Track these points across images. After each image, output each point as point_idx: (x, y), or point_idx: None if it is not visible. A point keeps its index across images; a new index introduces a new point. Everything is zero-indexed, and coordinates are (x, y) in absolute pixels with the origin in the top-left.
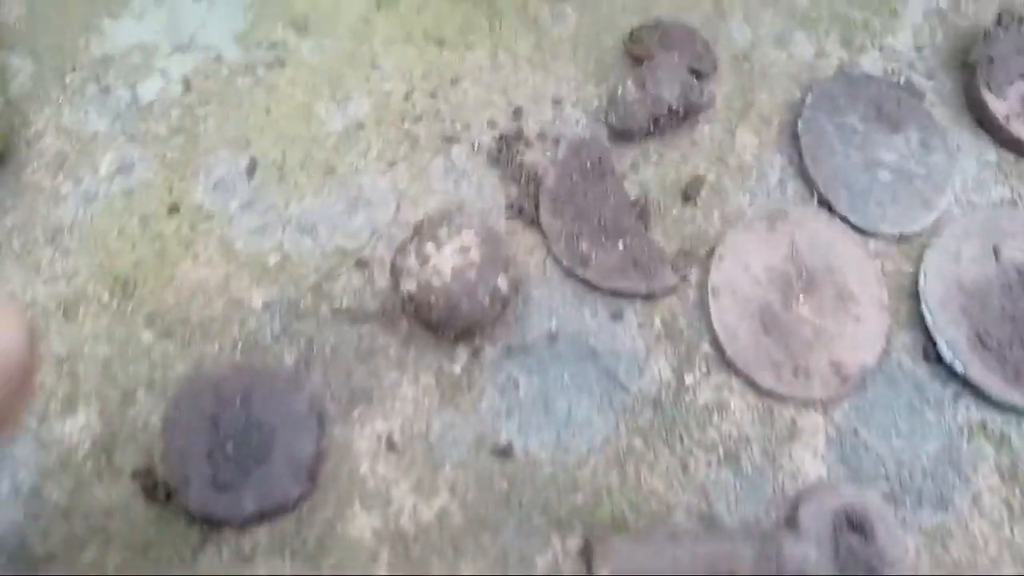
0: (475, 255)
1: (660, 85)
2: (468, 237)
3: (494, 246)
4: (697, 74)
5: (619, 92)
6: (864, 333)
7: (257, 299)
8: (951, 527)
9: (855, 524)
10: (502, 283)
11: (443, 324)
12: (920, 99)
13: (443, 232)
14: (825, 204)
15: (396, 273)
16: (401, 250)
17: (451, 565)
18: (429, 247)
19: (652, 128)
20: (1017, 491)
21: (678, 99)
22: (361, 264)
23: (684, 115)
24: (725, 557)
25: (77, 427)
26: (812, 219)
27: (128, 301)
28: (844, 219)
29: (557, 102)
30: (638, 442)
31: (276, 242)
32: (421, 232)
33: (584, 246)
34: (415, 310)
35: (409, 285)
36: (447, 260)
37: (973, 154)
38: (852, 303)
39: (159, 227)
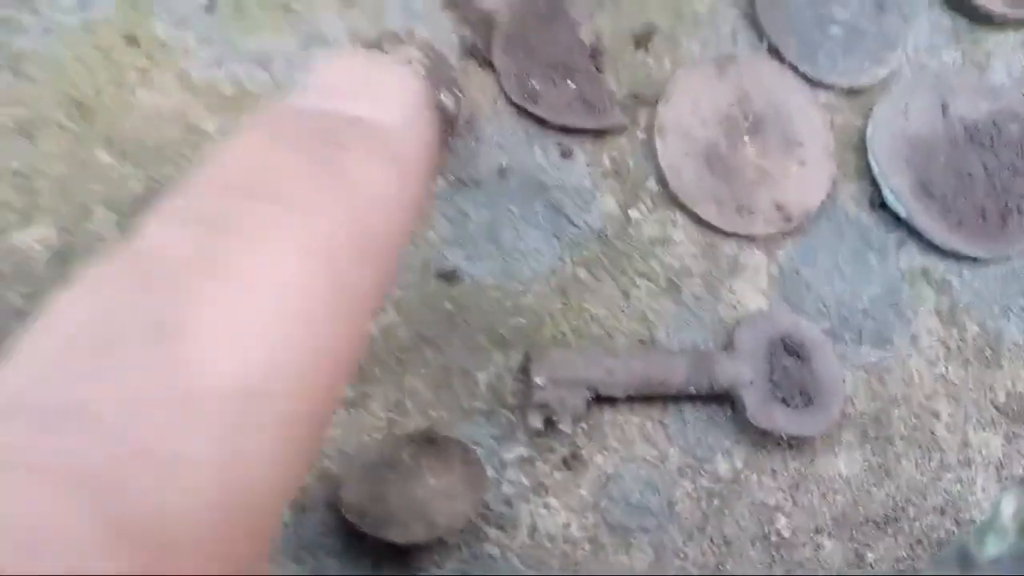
0: (419, 68)
1: None
2: (411, 52)
3: (440, 64)
4: None
5: None
6: (809, 177)
7: (211, 126)
8: (889, 364)
9: (791, 349)
10: (447, 99)
11: None
12: None
13: (387, 47)
14: (775, 53)
15: None
16: None
17: (396, 377)
18: None
19: None
20: (955, 332)
21: None
22: None
23: None
24: (659, 369)
25: (34, 238)
26: (762, 66)
27: (86, 125)
28: (794, 68)
29: None
30: (582, 272)
31: (232, 74)
32: (367, 47)
33: (535, 84)
34: None
35: None
36: None
37: (928, 17)
38: (798, 148)
39: (118, 57)
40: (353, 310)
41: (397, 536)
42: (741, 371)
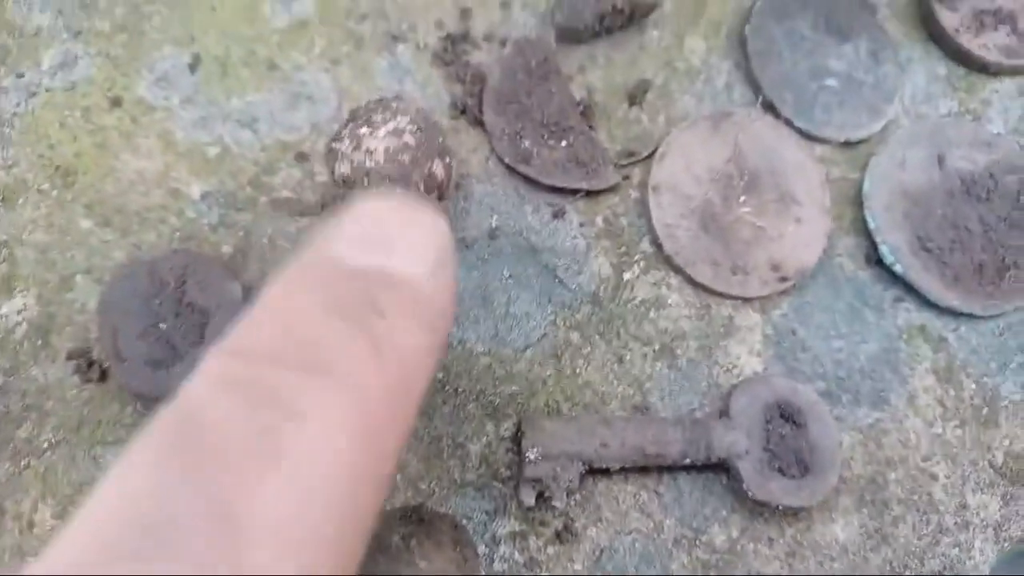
0: (410, 139)
1: None
2: (403, 121)
3: (430, 132)
4: None
5: None
6: (805, 235)
7: (196, 190)
8: (886, 425)
9: (787, 416)
10: (437, 169)
11: None
12: (872, 11)
13: (378, 116)
14: (770, 108)
15: (330, 157)
16: (336, 135)
17: None
18: (363, 130)
19: (599, 27)
20: (951, 391)
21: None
22: (301, 157)
23: (631, 14)
24: (654, 440)
25: (14, 309)
26: (757, 122)
27: (68, 190)
28: (789, 123)
29: (505, 4)
30: (575, 336)
31: (216, 135)
32: (357, 116)
33: (527, 143)
34: (348, 194)
35: (343, 168)
36: (380, 143)
37: (924, 67)
38: (794, 205)
39: (101, 120)
40: (385, 465)
41: None
42: (737, 440)
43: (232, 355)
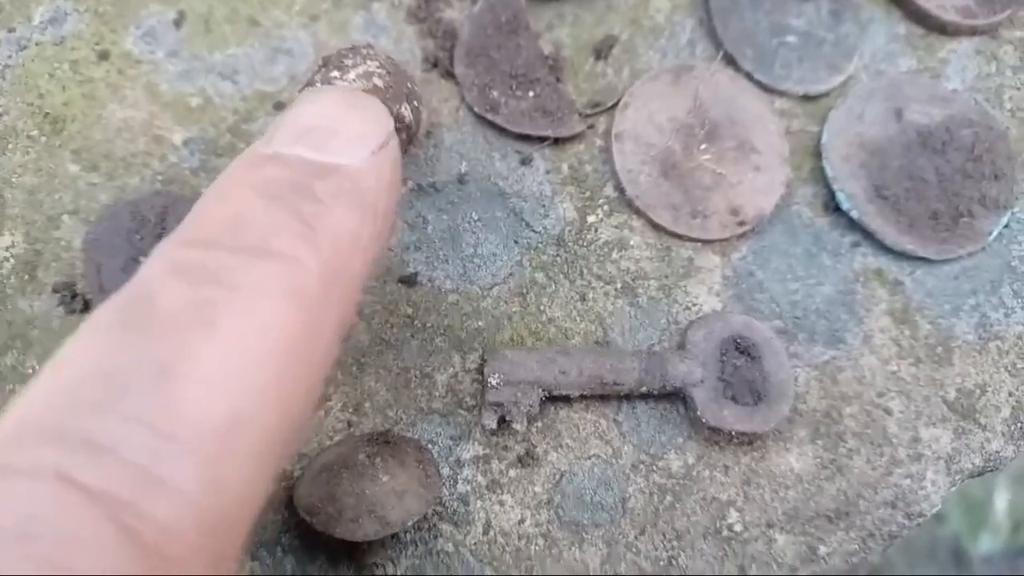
0: (379, 82)
1: None
2: (372, 66)
3: (399, 77)
4: None
5: None
6: (763, 182)
7: (178, 137)
8: (841, 362)
9: (742, 349)
10: (405, 112)
11: None
12: None
13: (349, 61)
14: (731, 62)
15: None
16: (309, 80)
17: (356, 379)
18: (334, 74)
19: None
20: (907, 331)
21: None
22: (279, 107)
23: None
24: (612, 369)
25: (3, 246)
26: (717, 75)
27: (56, 137)
28: (749, 76)
29: None
30: (540, 276)
31: (199, 87)
32: (328, 62)
33: (495, 94)
34: None
35: None
36: (350, 85)
37: (884, 27)
38: (753, 154)
39: (89, 72)
40: (322, 340)
41: (347, 533)
42: (692, 370)
43: (179, 243)
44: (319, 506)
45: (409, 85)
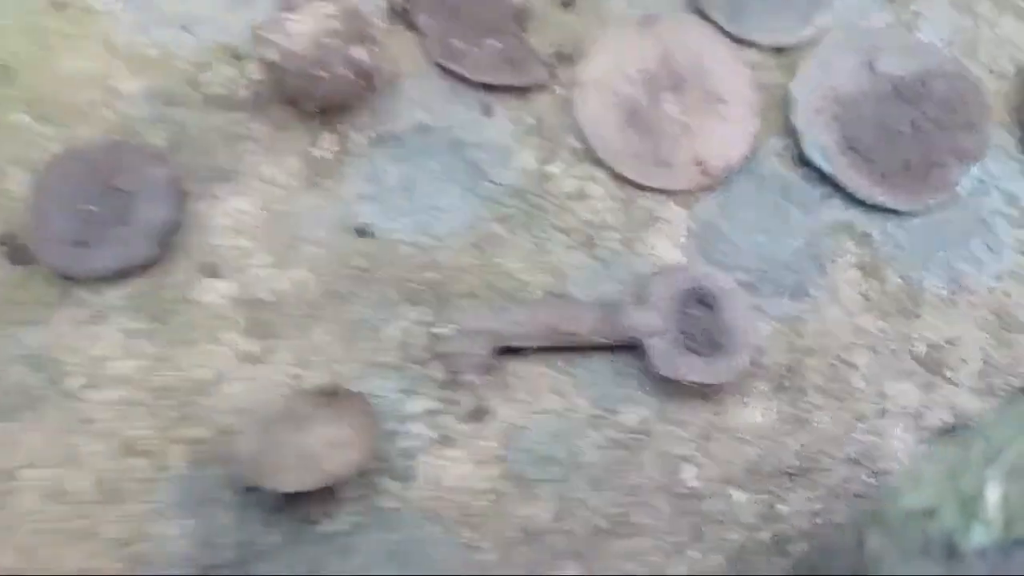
0: (334, 23)
1: None
2: (328, 8)
3: (355, 20)
4: None
5: None
6: (730, 133)
7: (133, 87)
8: (807, 316)
9: (703, 300)
10: (362, 55)
11: (303, 93)
12: None
13: (305, 4)
14: (701, 12)
15: (259, 44)
16: (265, 23)
17: (304, 331)
18: (290, 16)
19: None
20: (875, 284)
21: None
22: (237, 57)
23: None
24: (567, 319)
25: None
26: (686, 25)
27: (8, 87)
28: (719, 27)
29: None
30: (499, 227)
31: (157, 38)
32: (284, 3)
33: (458, 43)
34: (276, 81)
35: (269, 54)
36: (305, 27)
37: None
38: (720, 104)
39: (43, 22)
40: None
41: (283, 484)
42: (649, 321)
43: None
44: (256, 459)
45: (367, 29)
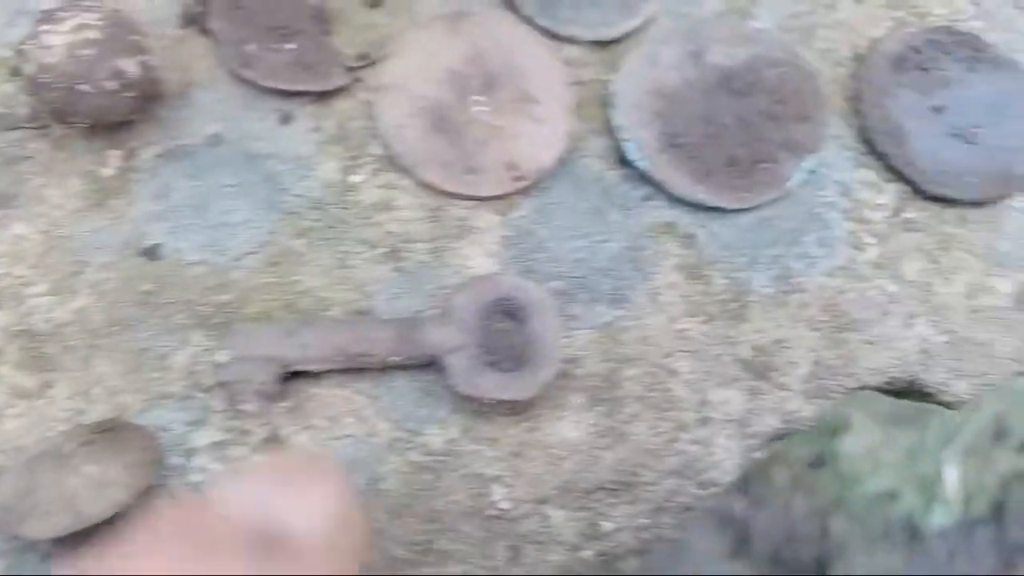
0: (94, 34)
1: None
2: (89, 18)
3: (120, 29)
4: None
5: None
6: (544, 134)
7: None
8: (625, 323)
9: (509, 312)
10: (129, 67)
11: (67, 108)
12: None
13: (64, 14)
14: (513, 8)
15: (21, 60)
16: (26, 36)
17: (85, 362)
18: (46, 27)
19: None
20: (699, 287)
21: None
22: (15, 72)
23: None
24: (359, 339)
25: None
26: (497, 21)
27: None
28: (531, 22)
29: None
30: (299, 243)
31: None
32: (46, 16)
33: (252, 48)
34: (39, 97)
35: (29, 68)
36: (62, 38)
37: None
38: (533, 105)
39: None
40: None
41: (34, 531)
42: (448, 337)
43: None
44: (14, 504)
45: (135, 39)
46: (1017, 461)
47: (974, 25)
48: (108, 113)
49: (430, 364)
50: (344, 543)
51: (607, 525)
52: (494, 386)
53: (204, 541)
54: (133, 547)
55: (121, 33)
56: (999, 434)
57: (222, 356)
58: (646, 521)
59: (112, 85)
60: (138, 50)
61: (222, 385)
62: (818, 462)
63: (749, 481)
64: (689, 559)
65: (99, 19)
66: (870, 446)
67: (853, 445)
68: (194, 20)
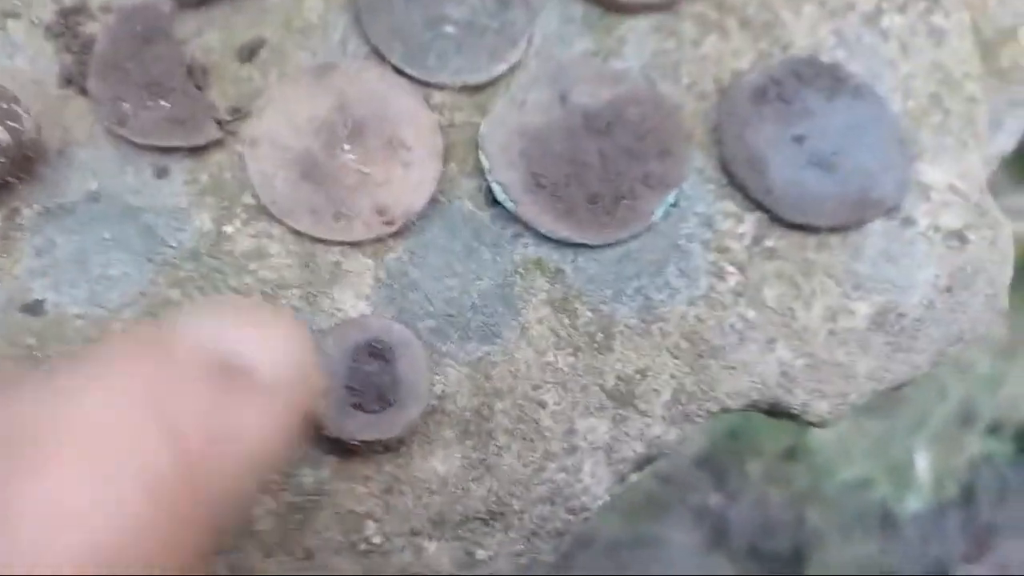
0: None
1: None
2: None
3: None
4: None
5: None
6: (413, 178)
7: None
8: (496, 358)
9: (376, 353)
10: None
11: None
12: None
13: None
14: (380, 57)
15: None
16: None
17: None
18: None
19: None
20: (566, 320)
21: None
22: None
23: None
24: None
25: None
26: (364, 71)
27: None
28: (399, 71)
29: None
30: (175, 293)
31: None
32: None
33: (126, 106)
34: None
35: None
36: None
37: (558, 10)
38: (402, 150)
39: None
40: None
41: None
42: None
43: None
44: None
45: (5, 105)
46: (985, 444)
47: (836, 55)
48: None
49: None
50: (302, 390)
51: (482, 553)
52: (360, 428)
53: (162, 369)
54: (79, 380)
55: None
56: (966, 419)
57: None
58: (521, 547)
59: None
60: (7, 116)
61: None
62: (790, 454)
63: (722, 475)
64: (665, 554)
65: None
66: (841, 436)
67: (824, 436)
68: (71, 80)
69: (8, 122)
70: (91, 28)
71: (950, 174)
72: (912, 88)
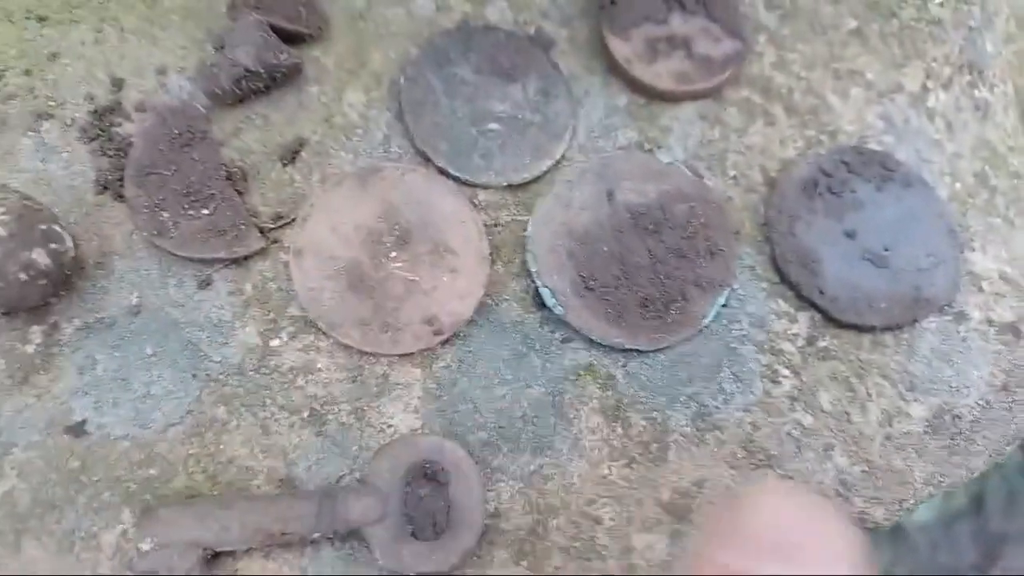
0: (2, 230)
1: (236, 47)
2: None
3: (29, 220)
4: (290, 35)
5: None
6: (460, 285)
7: None
8: (549, 471)
9: (430, 475)
10: (40, 257)
11: None
12: (546, 48)
13: None
14: (425, 158)
15: None
16: None
17: (13, 548)
18: None
19: (239, 91)
20: (619, 429)
21: (255, 61)
22: None
23: (269, 77)
24: (279, 518)
25: None
26: (408, 174)
27: None
28: (444, 172)
29: (162, 72)
30: (221, 411)
31: None
32: None
33: (166, 215)
34: None
35: None
36: None
37: (602, 100)
38: (449, 255)
39: None
40: None
41: None
42: (369, 508)
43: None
44: None
45: (45, 227)
46: None
47: (885, 140)
48: (22, 302)
49: (353, 533)
50: None
51: None
52: (416, 558)
53: (750, 537)
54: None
55: (30, 223)
56: None
57: (144, 545)
58: None
59: (23, 276)
60: (48, 239)
61: (147, 574)
62: None
63: None
64: None
65: (5, 213)
66: None
67: None
68: (108, 186)
69: (50, 245)
70: (126, 128)
71: (1000, 260)
72: (958, 169)
